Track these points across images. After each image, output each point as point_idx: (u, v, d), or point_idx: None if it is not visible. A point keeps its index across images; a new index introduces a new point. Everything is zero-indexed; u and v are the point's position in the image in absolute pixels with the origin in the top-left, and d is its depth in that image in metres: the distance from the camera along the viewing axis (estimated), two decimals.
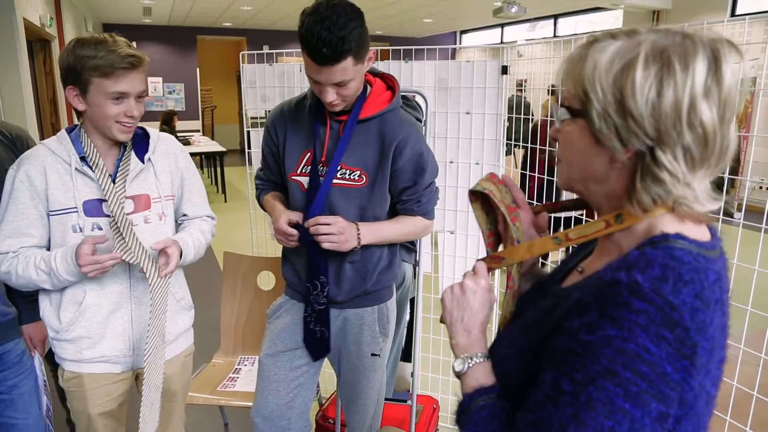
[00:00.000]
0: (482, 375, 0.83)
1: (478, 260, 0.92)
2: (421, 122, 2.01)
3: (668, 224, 0.72)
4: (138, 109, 1.45)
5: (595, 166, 0.75)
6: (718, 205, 0.74)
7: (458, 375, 0.85)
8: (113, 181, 1.47)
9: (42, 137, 5.51)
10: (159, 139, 1.61)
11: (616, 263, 0.71)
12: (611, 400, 0.63)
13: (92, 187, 1.46)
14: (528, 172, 3.02)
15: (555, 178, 2.60)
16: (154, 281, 1.45)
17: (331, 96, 1.43)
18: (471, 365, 0.84)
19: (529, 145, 2.97)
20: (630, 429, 0.63)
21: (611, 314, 0.64)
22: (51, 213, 1.45)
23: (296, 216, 1.57)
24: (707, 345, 0.65)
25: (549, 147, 2.92)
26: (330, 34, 1.31)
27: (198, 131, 12.28)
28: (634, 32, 0.72)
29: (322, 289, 1.62)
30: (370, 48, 1.47)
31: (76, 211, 1.45)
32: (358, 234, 1.54)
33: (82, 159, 1.46)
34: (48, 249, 1.49)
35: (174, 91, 12.67)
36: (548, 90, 7.86)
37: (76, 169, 1.45)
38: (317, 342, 1.68)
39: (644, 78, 0.67)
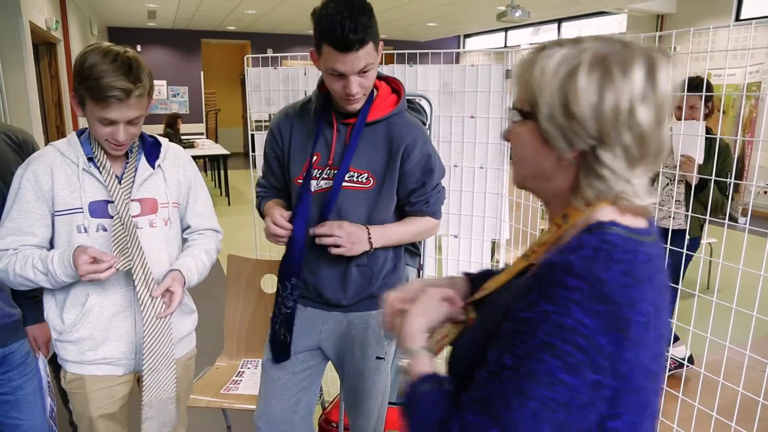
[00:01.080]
0: (427, 364, 0.87)
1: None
2: (425, 125, 2.01)
3: (606, 215, 0.77)
4: (126, 133, 1.41)
5: (544, 165, 0.80)
6: (655, 200, 0.80)
7: (405, 370, 0.88)
8: (119, 183, 1.48)
9: (47, 140, 5.52)
10: (169, 148, 1.62)
11: (555, 250, 0.76)
12: (551, 372, 0.67)
13: (99, 188, 1.47)
14: None
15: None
16: (143, 296, 1.45)
17: (355, 87, 1.44)
18: (416, 355, 0.88)
19: None
20: (569, 398, 0.68)
21: (547, 292, 0.69)
22: (57, 213, 1.45)
23: (288, 215, 1.57)
24: (641, 319, 0.70)
25: None
26: (353, 21, 1.35)
27: (202, 134, 12.30)
28: (578, 41, 0.77)
29: (292, 291, 1.61)
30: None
31: (82, 212, 1.45)
32: (369, 238, 1.54)
33: (90, 160, 1.47)
34: (50, 248, 1.49)
35: (178, 94, 12.70)
36: None
37: (84, 169, 1.46)
38: (281, 344, 1.66)
39: (587, 83, 0.73)
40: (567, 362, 0.67)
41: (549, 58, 0.76)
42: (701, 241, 3.09)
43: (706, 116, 2.85)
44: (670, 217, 2.89)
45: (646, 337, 0.71)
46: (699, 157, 2.70)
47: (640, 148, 0.75)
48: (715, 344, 1.89)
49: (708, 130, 2.77)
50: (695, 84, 2.72)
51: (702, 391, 1.80)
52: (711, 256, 4.57)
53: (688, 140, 2.69)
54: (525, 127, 0.80)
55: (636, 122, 0.73)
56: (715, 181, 1.98)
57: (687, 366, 3.00)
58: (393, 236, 1.62)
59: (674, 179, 2.89)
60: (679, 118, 2.77)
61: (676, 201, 2.94)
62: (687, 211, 2.86)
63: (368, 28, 1.38)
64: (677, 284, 2.36)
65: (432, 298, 0.94)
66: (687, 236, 2.86)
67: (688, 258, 2.83)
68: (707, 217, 1.88)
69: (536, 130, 0.78)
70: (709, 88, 2.76)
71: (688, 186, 2.82)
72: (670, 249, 2.41)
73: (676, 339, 3.07)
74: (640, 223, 0.79)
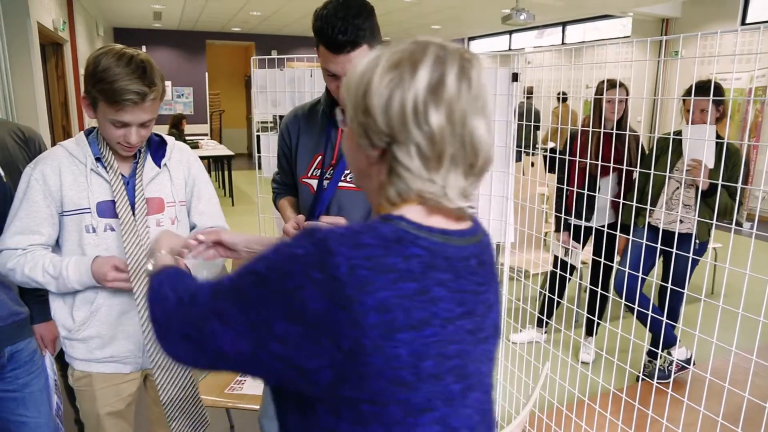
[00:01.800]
0: (168, 259, 1.07)
1: None
2: None
3: (410, 213, 0.78)
4: (138, 135, 1.43)
5: (360, 164, 0.83)
6: (468, 203, 0.80)
7: (149, 272, 1.05)
8: (126, 184, 1.49)
9: (53, 140, 5.54)
10: (175, 147, 1.63)
11: None
12: (246, 297, 0.74)
13: (106, 188, 1.48)
14: (565, 186, 3.02)
15: (588, 191, 2.55)
16: (140, 294, 1.46)
17: None
18: (159, 258, 1.08)
19: (567, 156, 2.94)
20: (249, 323, 0.72)
21: (287, 242, 0.74)
22: (65, 213, 1.46)
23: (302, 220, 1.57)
24: (371, 303, 0.69)
25: (585, 159, 2.91)
26: (345, 22, 1.35)
27: (206, 135, 12.33)
28: (389, 43, 0.81)
29: None
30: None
31: (90, 212, 1.46)
32: None
33: (98, 160, 1.48)
34: (55, 247, 1.51)
35: (183, 95, 12.74)
36: (558, 97, 7.87)
37: (92, 169, 1.47)
38: None
39: (379, 82, 0.76)
40: (266, 299, 0.72)
41: (360, 62, 0.81)
42: (708, 246, 3.09)
43: (717, 120, 2.84)
44: (677, 221, 2.89)
45: (393, 326, 0.70)
46: (709, 162, 2.69)
47: (432, 146, 0.75)
48: (721, 349, 1.89)
49: (717, 135, 2.77)
50: (705, 88, 2.72)
51: (707, 397, 1.79)
52: (716, 261, 4.56)
53: (697, 144, 2.69)
54: (348, 128, 0.84)
55: (425, 121, 0.75)
56: (724, 185, 1.98)
57: (689, 368, 3.00)
58: None
59: (683, 183, 2.89)
60: (688, 122, 2.77)
61: (685, 205, 2.93)
62: (696, 215, 2.86)
63: (360, 30, 1.37)
64: (683, 288, 2.36)
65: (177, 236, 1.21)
66: (695, 241, 2.86)
67: (695, 262, 2.83)
68: (714, 221, 1.88)
69: (351, 131, 0.82)
70: (720, 92, 2.75)
71: (698, 190, 2.82)
72: (676, 253, 2.41)
73: (675, 341, 3.06)
74: (450, 225, 0.80)
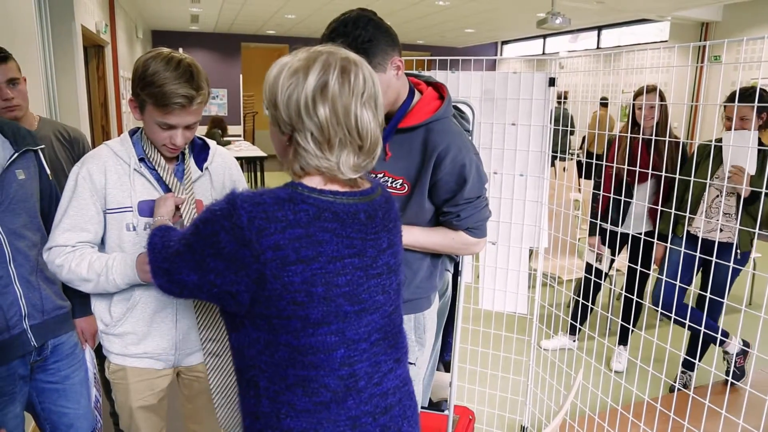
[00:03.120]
0: (163, 222, 1.38)
1: None
2: (468, 132, 2.00)
3: (309, 182, 1.02)
4: (183, 137, 1.48)
5: (278, 145, 1.08)
6: (358, 174, 1.04)
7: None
8: (180, 181, 1.54)
9: (93, 139, 5.69)
10: (217, 152, 1.66)
11: None
12: (187, 239, 1.03)
13: (148, 187, 1.52)
14: (601, 192, 2.98)
15: (623, 197, 2.51)
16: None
17: None
18: (158, 222, 1.40)
19: (604, 162, 2.89)
20: (196, 256, 1.00)
21: (208, 206, 1.02)
22: (108, 211, 1.51)
23: None
24: (267, 244, 0.94)
25: (621, 164, 2.86)
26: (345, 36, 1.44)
27: (239, 136, 12.51)
28: (299, 51, 1.03)
29: None
30: (400, 58, 1.50)
31: (131, 210, 1.50)
32: None
33: (141, 160, 1.52)
34: (100, 246, 1.55)
35: (217, 96, 12.95)
36: (602, 102, 7.75)
37: (135, 169, 1.51)
38: None
39: (284, 84, 0.99)
40: (200, 243, 1.00)
41: (275, 65, 1.02)
42: (750, 256, 3.00)
43: (760, 128, 2.77)
44: (717, 230, 2.82)
45: (287, 261, 0.95)
46: (751, 168, 2.62)
47: (322, 133, 0.99)
48: (762, 361, 1.84)
49: (759, 142, 2.70)
50: (747, 94, 2.65)
51: (747, 410, 1.75)
52: (755, 270, 4.43)
53: (738, 151, 2.62)
54: (269, 117, 1.06)
55: (314, 114, 0.98)
56: (766, 193, 1.92)
57: (750, 351, 2.83)
58: (412, 237, 1.58)
59: (723, 191, 2.82)
60: (729, 129, 2.70)
61: (725, 214, 2.86)
62: (737, 224, 2.78)
63: (364, 41, 1.45)
64: (723, 298, 2.30)
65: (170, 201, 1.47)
66: (736, 250, 2.77)
67: (736, 272, 2.75)
68: (757, 230, 1.83)
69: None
70: (763, 99, 2.68)
71: (739, 198, 2.74)
72: (716, 262, 2.35)
73: (727, 336, 2.93)
74: (340, 188, 1.03)
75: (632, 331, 3.33)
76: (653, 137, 2.49)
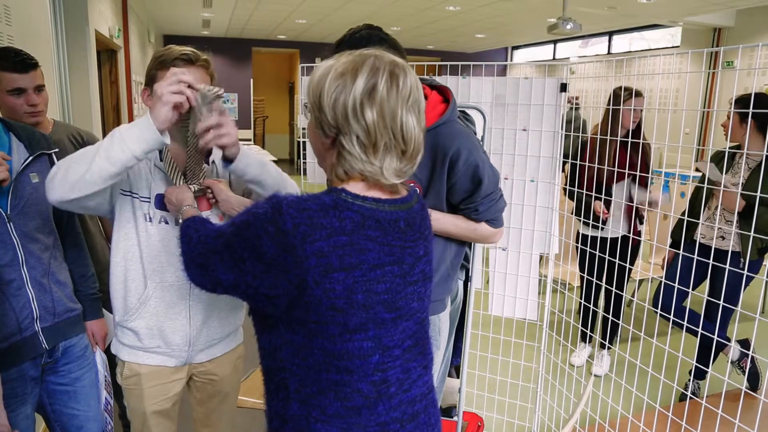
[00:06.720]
0: (193, 212, 1.32)
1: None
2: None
3: (352, 187, 1.01)
4: None
5: (318, 149, 1.07)
6: (400, 179, 1.04)
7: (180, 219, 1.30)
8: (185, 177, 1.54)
9: None
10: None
11: None
12: (228, 241, 1.02)
13: (166, 182, 1.54)
14: (576, 189, 2.96)
15: (604, 195, 2.53)
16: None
17: None
18: (185, 211, 1.34)
19: (578, 162, 2.92)
20: (234, 256, 1.00)
21: (250, 207, 1.01)
22: (124, 192, 1.50)
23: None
24: (311, 250, 0.94)
25: (599, 165, 2.85)
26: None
27: (249, 140, 12.56)
28: (342, 55, 1.01)
29: None
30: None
31: (149, 201, 1.52)
32: None
33: (160, 153, 1.54)
34: (112, 215, 1.53)
35: (228, 100, 13.01)
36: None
37: (155, 164, 1.54)
38: None
39: (330, 86, 0.98)
40: (240, 244, 0.99)
41: (318, 69, 1.02)
42: (761, 264, 2.96)
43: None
44: (721, 237, 2.79)
45: (329, 267, 0.95)
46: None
47: (368, 137, 0.98)
48: None
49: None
50: (742, 101, 2.63)
51: (761, 420, 1.72)
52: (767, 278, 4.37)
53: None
54: (311, 121, 1.05)
55: (362, 117, 0.97)
56: (762, 203, 1.90)
57: (750, 353, 2.79)
58: (444, 224, 1.63)
59: (719, 201, 2.80)
60: (727, 138, 2.68)
61: (727, 221, 2.83)
62: (734, 229, 2.76)
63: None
64: (736, 306, 2.28)
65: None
66: (742, 259, 2.75)
67: (748, 279, 2.72)
68: (750, 240, 1.81)
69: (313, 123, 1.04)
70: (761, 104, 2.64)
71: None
72: (719, 270, 2.33)
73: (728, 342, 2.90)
74: (385, 196, 1.03)
75: (618, 335, 3.36)
76: (629, 139, 2.52)
